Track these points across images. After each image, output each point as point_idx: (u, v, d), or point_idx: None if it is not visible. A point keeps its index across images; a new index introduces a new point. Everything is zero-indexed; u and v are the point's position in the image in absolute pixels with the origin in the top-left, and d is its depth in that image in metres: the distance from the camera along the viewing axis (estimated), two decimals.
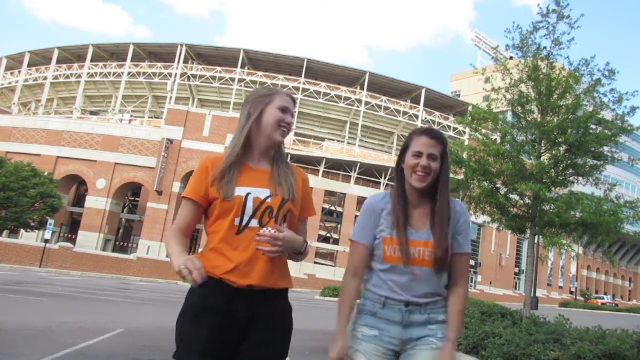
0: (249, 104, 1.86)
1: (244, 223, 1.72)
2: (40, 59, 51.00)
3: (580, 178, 10.10)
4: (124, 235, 41.57)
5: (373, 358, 1.79)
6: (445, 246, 1.81)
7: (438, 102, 49.28)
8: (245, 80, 45.31)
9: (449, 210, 1.87)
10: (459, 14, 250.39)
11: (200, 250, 1.85)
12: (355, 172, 42.50)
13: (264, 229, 1.68)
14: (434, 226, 1.83)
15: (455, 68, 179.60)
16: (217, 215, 1.74)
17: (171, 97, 44.69)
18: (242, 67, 45.59)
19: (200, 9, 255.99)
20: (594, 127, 9.79)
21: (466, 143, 11.89)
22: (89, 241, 33.55)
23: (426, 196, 1.88)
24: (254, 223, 1.73)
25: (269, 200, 1.76)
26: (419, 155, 1.84)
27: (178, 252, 1.69)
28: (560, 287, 59.72)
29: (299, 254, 1.81)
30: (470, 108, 28.64)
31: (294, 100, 1.92)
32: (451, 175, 10.49)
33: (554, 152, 9.83)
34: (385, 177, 42.98)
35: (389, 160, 44.56)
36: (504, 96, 10.31)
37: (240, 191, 1.74)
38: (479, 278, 47.89)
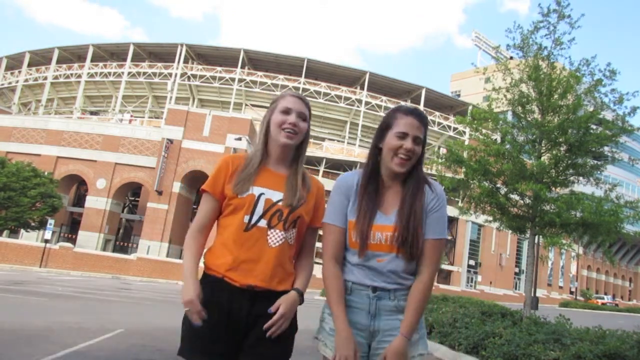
0: (266, 111, 1.95)
1: (253, 222, 1.77)
2: (40, 58, 50.99)
3: (581, 178, 10.08)
4: (124, 235, 41.54)
5: None
6: (411, 230, 1.65)
7: (438, 102, 49.27)
8: (245, 80, 45.29)
9: (421, 191, 1.71)
10: (450, 18, 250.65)
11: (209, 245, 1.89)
12: None
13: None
14: (402, 208, 1.69)
15: (451, 70, 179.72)
16: (230, 211, 1.80)
17: (171, 97, 44.67)
18: (242, 67, 45.57)
19: (194, 12, 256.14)
20: (594, 127, 9.77)
21: (466, 143, 11.86)
22: (89, 241, 33.51)
23: (399, 176, 1.74)
24: (263, 223, 1.77)
25: (280, 203, 1.80)
26: (403, 136, 1.70)
27: (190, 273, 1.73)
28: (560, 287, 59.74)
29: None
30: (470, 108, 28.62)
31: (301, 99, 1.92)
32: (451, 175, 10.53)
33: (554, 152, 9.82)
34: None
35: None
36: (504, 96, 10.30)
37: (254, 190, 1.79)
38: (479, 278, 47.90)
